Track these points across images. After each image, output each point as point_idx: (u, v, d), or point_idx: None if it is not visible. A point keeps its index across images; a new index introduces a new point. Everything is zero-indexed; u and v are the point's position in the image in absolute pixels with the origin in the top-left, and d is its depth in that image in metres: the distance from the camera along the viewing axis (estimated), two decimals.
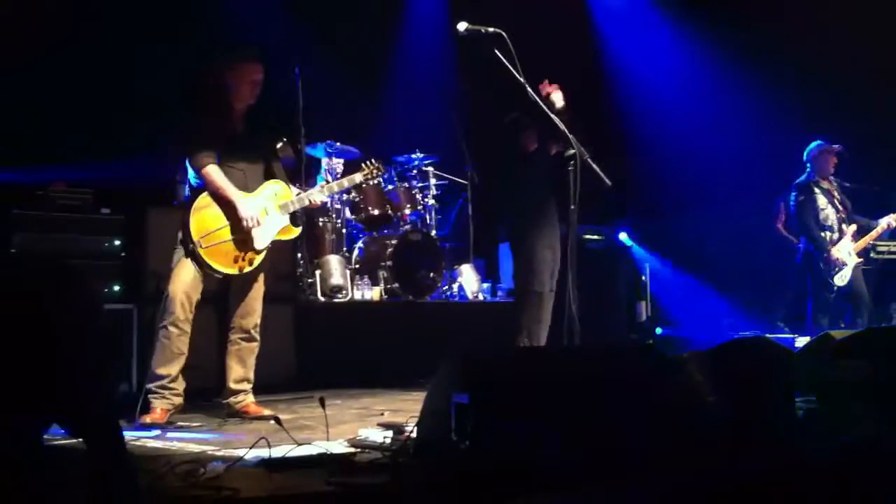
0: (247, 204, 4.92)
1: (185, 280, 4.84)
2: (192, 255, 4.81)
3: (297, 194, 5.18)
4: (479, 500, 2.94)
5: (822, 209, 7.79)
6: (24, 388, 1.56)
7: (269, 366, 5.56)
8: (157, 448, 4.06)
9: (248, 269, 4.97)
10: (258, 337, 5.16)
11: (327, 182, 5.33)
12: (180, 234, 4.89)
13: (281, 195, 5.11)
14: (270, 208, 5.04)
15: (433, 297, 7.88)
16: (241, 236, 4.92)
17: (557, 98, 5.49)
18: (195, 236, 4.80)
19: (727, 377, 4.04)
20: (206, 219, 4.86)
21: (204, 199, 4.88)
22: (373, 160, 5.75)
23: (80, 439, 1.68)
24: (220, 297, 5.36)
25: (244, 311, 5.10)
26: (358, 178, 5.59)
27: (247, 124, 5.09)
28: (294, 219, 5.14)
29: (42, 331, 1.58)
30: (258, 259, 5.01)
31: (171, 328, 4.82)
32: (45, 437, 1.71)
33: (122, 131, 6.82)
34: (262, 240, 4.98)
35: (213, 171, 4.87)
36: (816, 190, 7.81)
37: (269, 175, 5.15)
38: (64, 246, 5.88)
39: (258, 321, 5.15)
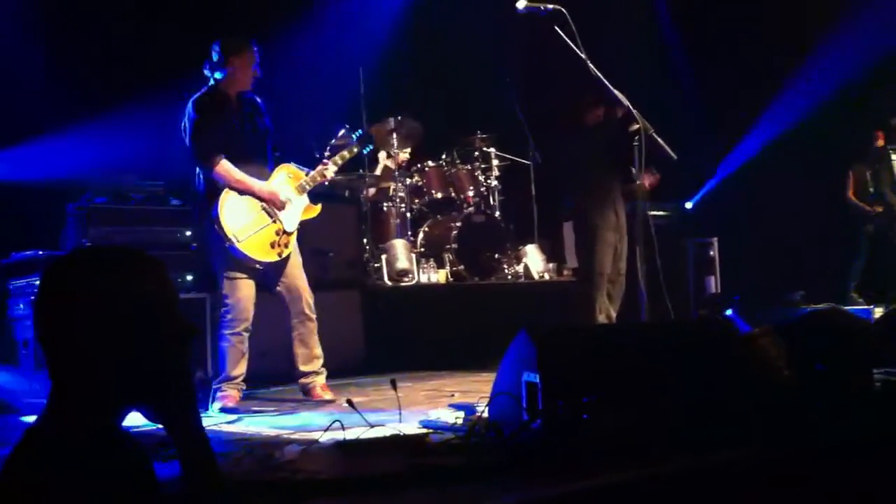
0: (268, 186, 5.02)
1: (244, 287, 4.97)
2: (232, 251, 4.89)
3: (308, 173, 5.24)
4: (552, 480, 2.94)
5: None
6: (108, 372, 1.61)
7: (339, 350, 5.62)
8: (233, 433, 4.15)
9: (285, 252, 5.05)
10: (314, 316, 5.20)
11: (343, 157, 5.35)
12: (216, 228, 4.93)
13: (294, 177, 5.19)
14: (288, 191, 5.12)
15: (498, 279, 7.88)
16: (273, 222, 5.00)
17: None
18: (230, 233, 4.87)
19: (802, 351, 3.97)
20: (234, 214, 4.93)
21: (227, 193, 4.94)
22: (364, 133, 5.90)
23: (161, 425, 1.73)
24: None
25: (292, 296, 5.15)
26: (356, 149, 5.60)
27: (243, 111, 5.12)
28: (313, 197, 5.22)
29: (123, 317, 1.62)
30: (292, 241, 5.10)
31: (244, 333, 4.99)
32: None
33: None
34: (290, 223, 5.08)
35: (226, 166, 4.94)
36: (894, 157, 7.61)
37: (278, 156, 5.23)
38: (136, 238, 6.00)
39: (310, 300, 5.19)
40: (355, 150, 5.58)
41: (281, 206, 5.05)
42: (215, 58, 5.04)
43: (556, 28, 4.91)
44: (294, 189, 5.15)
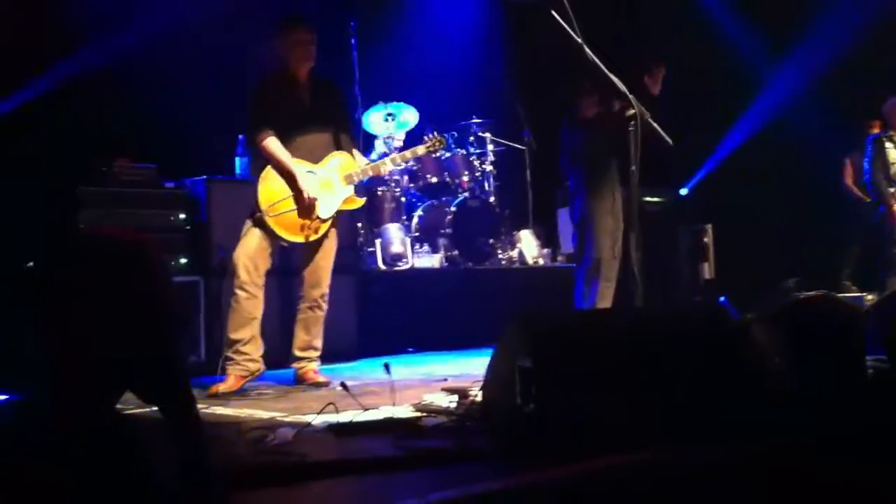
0: (306, 178, 4.99)
1: (249, 245, 4.92)
2: (260, 222, 4.90)
3: (362, 166, 5.23)
4: (545, 464, 2.95)
5: (893, 163, 7.60)
6: (103, 355, 1.61)
7: (333, 334, 5.62)
8: (226, 415, 4.15)
9: (314, 237, 5.05)
10: (325, 306, 5.23)
11: (388, 154, 5.38)
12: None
13: (346, 166, 5.16)
14: (335, 179, 5.11)
15: (493, 264, 7.89)
16: (305, 206, 4.98)
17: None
18: (262, 205, 4.90)
19: (793, 338, 3.98)
20: (271, 188, 4.95)
21: (270, 170, 4.97)
22: (435, 132, 5.80)
23: (155, 407, 1.73)
24: (285, 269, 5.45)
25: (313, 281, 5.17)
26: (421, 150, 5.61)
27: (313, 94, 5.15)
28: (358, 189, 5.20)
29: (118, 300, 1.62)
30: (324, 228, 5.08)
31: (239, 291, 4.90)
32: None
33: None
34: (326, 209, 5.06)
35: (272, 144, 4.95)
36: (889, 144, 7.62)
37: (336, 145, 5.19)
38: (130, 221, 5.97)
39: (326, 291, 5.21)
40: (420, 151, 5.57)
41: (307, 207, 4.96)
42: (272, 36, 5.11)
43: (553, 13, 4.88)
44: (342, 177, 5.12)
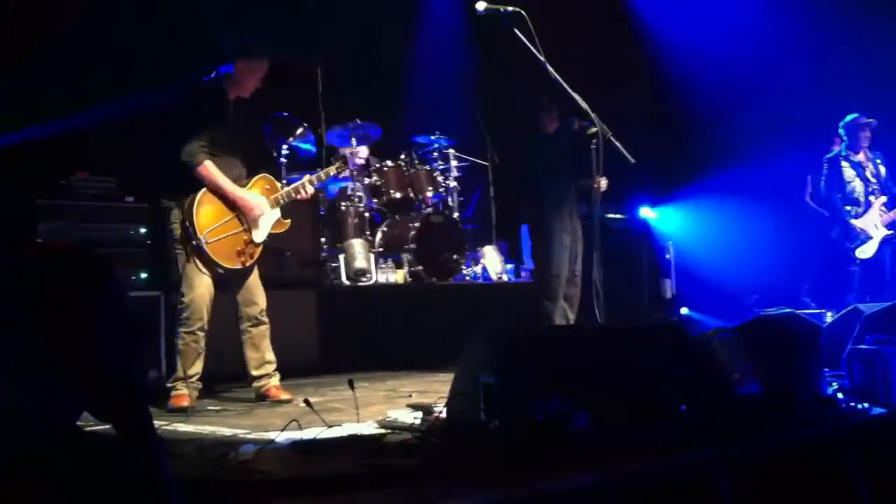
0: (249, 195, 5.00)
1: (201, 285, 4.92)
2: (198, 251, 4.85)
3: (285, 188, 5.24)
4: (509, 480, 2.95)
5: (849, 182, 7.73)
6: (60, 373, 1.59)
7: (295, 351, 5.59)
8: (187, 432, 4.10)
9: (249, 262, 5.04)
10: (266, 320, 5.18)
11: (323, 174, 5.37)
12: (178, 232, 4.92)
13: (270, 189, 5.17)
14: (263, 202, 5.09)
15: (457, 279, 7.89)
16: (244, 230, 4.98)
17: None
18: (200, 232, 4.84)
19: (753, 354, 4.03)
20: (209, 214, 4.90)
21: (205, 194, 4.91)
22: (341, 156, 5.79)
23: (109, 425, 1.71)
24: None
25: (248, 301, 5.13)
26: (332, 170, 5.56)
27: (239, 115, 5.10)
28: (284, 212, 5.20)
29: (72, 316, 1.60)
30: (258, 252, 5.08)
31: (199, 332, 4.93)
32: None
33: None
34: (260, 234, 5.06)
35: (210, 168, 4.90)
36: (845, 163, 7.75)
37: (258, 166, 5.20)
38: (89, 235, 5.91)
39: (264, 306, 5.17)
40: (332, 171, 5.56)
41: (254, 219, 5.01)
42: (227, 54, 5.05)
43: (516, 30, 4.92)
44: (268, 201, 5.11)
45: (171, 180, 4.99)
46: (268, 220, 5.11)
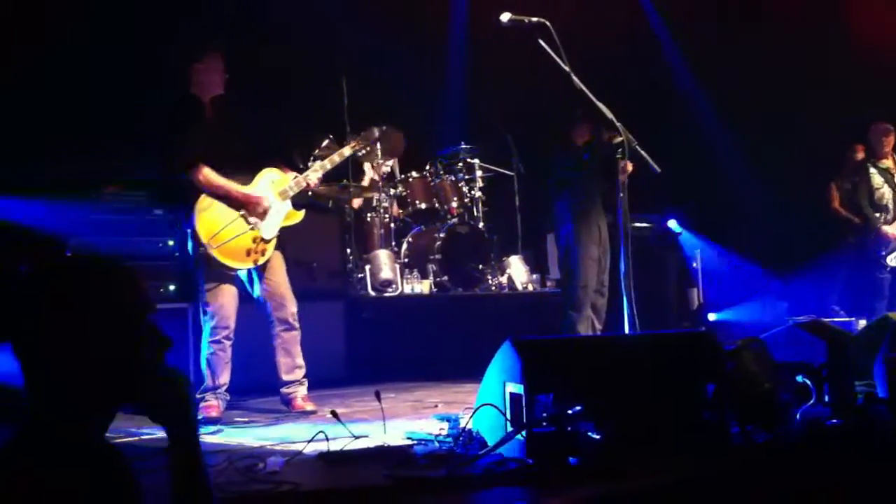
0: (251, 191, 4.98)
1: (225, 294, 4.93)
2: (206, 257, 4.86)
3: (294, 178, 5.17)
4: (535, 490, 2.94)
5: (878, 188, 7.66)
6: (91, 381, 1.62)
7: (322, 361, 5.60)
8: (216, 444, 4.12)
9: (261, 260, 5.00)
10: (297, 325, 5.15)
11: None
12: (191, 242, 4.94)
13: (278, 182, 5.12)
14: (271, 197, 5.05)
15: (482, 290, 7.89)
16: (250, 229, 4.96)
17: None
18: (204, 239, 4.85)
19: (784, 364, 4.00)
20: (210, 220, 4.90)
21: (203, 201, 4.90)
22: (362, 132, 5.87)
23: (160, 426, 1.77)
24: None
25: (276, 303, 5.09)
26: (347, 150, 5.53)
27: (220, 114, 5.07)
28: (296, 203, 5.16)
29: (102, 326, 1.63)
30: (269, 248, 5.03)
31: (226, 341, 4.94)
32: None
33: None
34: (269, 230, 5.02)
35: (206, 172, 4.90)
36: (873, 170, 7.69)
37: (261, 161, 5.13)
38: (119, 247, 5.95)
39: (294, 309, 5.13)
40: (346, 152, 5.52)
41: (262, 214, 5.01)
42: (182, 64, 5.06)
43: (540, 41, 4.91)
44: (276, 194, 5.07)
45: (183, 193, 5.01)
46: (277, 212, 5.06)
